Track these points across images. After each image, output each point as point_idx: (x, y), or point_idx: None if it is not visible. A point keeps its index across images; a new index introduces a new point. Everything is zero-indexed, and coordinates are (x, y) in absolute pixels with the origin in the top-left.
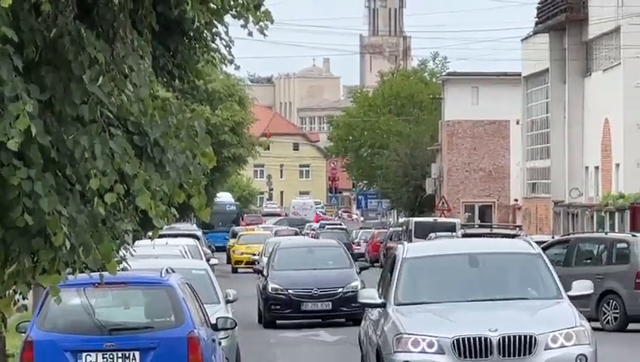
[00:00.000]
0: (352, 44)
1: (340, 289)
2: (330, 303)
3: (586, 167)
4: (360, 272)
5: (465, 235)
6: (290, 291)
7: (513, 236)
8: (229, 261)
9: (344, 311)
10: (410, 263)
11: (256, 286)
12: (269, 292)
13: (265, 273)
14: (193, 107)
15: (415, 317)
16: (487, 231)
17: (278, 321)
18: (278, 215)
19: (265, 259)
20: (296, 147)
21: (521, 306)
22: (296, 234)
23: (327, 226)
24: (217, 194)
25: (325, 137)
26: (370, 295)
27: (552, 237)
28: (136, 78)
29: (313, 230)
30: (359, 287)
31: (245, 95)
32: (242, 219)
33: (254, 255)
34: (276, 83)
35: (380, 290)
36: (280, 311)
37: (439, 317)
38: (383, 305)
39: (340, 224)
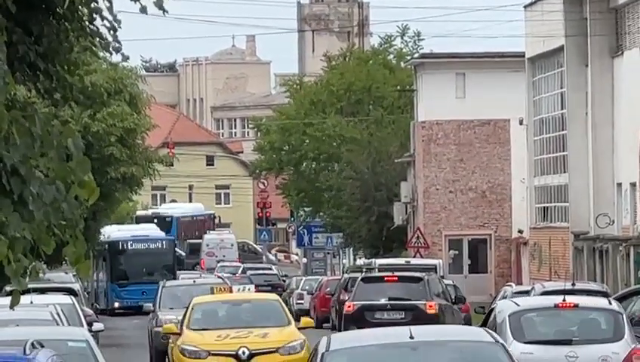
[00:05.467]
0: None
1: None
2: None
3: (619, 184)
4: None
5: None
6: None
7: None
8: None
9: None
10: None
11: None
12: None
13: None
14: (64, 117)
15: None
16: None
17: None
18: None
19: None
20: (210, 161)
21: None
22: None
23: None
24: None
25: (251, 147)
26: None
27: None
28: None
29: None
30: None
31: (139, 92)
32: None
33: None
34: (181, 72)
35: None
36: None
37: None
38: None
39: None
